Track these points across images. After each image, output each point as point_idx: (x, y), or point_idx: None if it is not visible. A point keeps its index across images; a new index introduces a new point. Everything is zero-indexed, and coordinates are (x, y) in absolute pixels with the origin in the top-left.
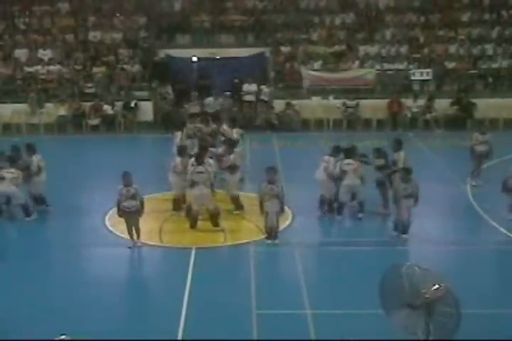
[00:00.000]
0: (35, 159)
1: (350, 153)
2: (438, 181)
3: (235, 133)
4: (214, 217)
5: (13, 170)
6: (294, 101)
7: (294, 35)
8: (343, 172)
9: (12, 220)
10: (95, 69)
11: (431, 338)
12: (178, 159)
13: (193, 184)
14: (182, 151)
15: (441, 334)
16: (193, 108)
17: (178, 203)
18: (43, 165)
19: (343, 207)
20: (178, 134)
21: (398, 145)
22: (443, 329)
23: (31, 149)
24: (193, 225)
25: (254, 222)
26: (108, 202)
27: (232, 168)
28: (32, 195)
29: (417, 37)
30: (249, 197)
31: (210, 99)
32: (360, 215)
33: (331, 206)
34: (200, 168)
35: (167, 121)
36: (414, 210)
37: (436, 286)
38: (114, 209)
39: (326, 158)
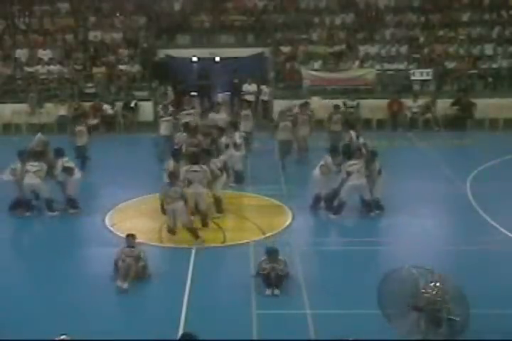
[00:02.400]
0: (60, 162)
1: (350, 153)
2: (438, 181)
3: (238, 137)
4: (204, 217)
5: (36, 163)
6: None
7: (294, 35)
8: (349, 174)
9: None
10: (95, 70)
11: (434, 338)
12: (171, 163)
13: (188, 183)
14: (176, 155)
15: (447, 333)
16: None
17: None
18: (72, 167)
19: (342, 206)
20: (178, 135)
21: (373, 156)
22: (449, 329)
23: (59, 153)
24: None
25: (254, 222)
26: (108, 201)
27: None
28: (66, 196)
29: (417, 37)
30: (250, 197)
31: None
32: (372, 214)
33: (329, 203)
34: (195, 167)
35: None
36: (415, 211)
37: (431, 286)
38: (114, 209)
39: (326, 156)
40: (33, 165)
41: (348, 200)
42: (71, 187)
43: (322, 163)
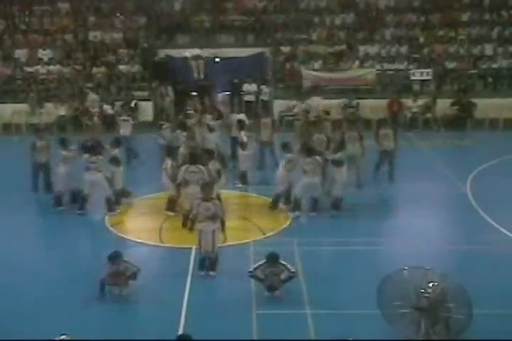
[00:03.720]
0: (114, 151)
1: (310, 152)
2: (438, 181)
3: (244, 136)
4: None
5: (94, 158)
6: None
7: (294, 35)
8: (304, 171)
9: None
10: (95, 70)
11: (434, 338)
12: (168, 161)
13: (185, 183)
14: (171, 153)
15: (448, 333)
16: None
17: (170, 203)
18: (119, 159)
19: (299, 203)
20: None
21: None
22: (450, 329)
23: (117, 143)
24: (184, 224)
25: (254, 221)
26: None
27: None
28: (114, 190)
29: (417, 37)
30: (250, 197)
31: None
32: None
33: (288, 199)
34: (193, 168)
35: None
36: (415, 211)
37: (431, 286)
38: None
39: (290, 155)
40: (92, 162)
41: (302, 197)
42: (118, 179)
43: (285, 160)
